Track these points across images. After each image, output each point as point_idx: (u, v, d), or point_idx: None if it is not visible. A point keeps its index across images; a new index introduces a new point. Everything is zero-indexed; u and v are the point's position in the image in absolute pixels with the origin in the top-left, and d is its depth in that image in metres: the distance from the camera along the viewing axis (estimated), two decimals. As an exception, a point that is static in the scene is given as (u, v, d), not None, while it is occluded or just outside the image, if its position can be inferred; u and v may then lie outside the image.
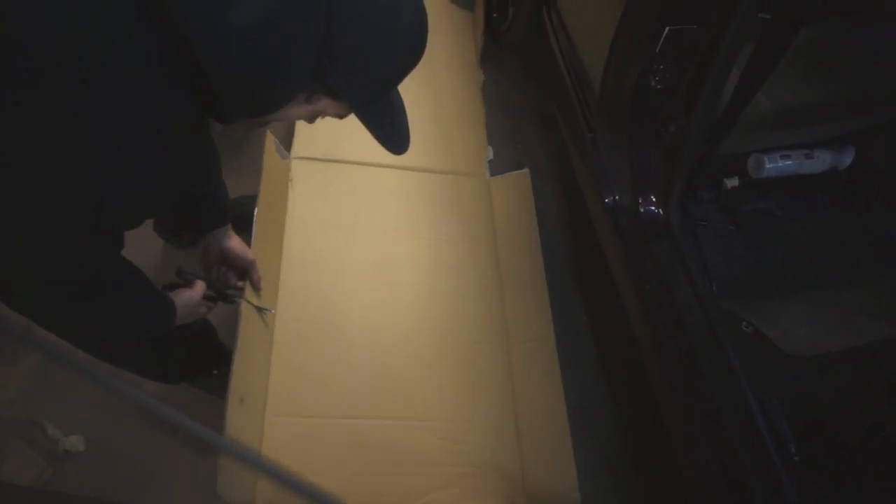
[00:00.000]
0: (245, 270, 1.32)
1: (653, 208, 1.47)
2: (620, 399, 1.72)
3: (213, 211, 1.21)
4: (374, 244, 1.71)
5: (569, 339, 1.74)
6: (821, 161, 1.59)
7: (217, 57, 0.68)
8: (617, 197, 1.50)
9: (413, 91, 1.93)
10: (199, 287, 1.12)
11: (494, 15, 2.18)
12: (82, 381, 1.50)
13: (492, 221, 1.90)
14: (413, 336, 1.59)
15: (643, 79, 1.31)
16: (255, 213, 1.43)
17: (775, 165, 1.55)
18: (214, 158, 1.15)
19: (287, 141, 1.80)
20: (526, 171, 1.96)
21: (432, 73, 2.09)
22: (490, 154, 2.06)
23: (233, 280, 1.31)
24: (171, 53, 0.68)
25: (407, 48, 0.80)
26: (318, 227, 1.68)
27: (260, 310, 1.37)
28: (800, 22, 1.17)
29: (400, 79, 0.84)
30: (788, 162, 1.56)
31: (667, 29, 1.21)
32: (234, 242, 1.27)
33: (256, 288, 1.36)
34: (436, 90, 2.07)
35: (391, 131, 0.88)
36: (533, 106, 2.20)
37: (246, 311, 1.31)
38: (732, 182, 1.60)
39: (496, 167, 2.04)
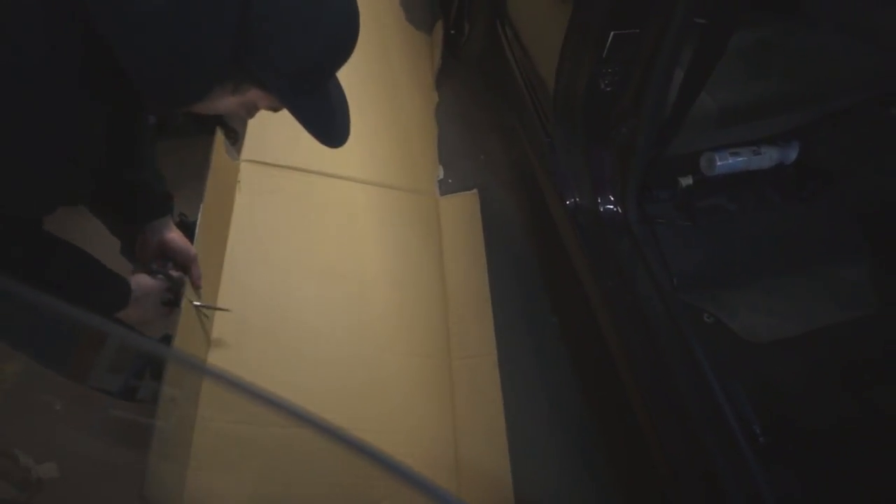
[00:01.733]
0: (185, 266, 1.24)
1: (611, 207, 1.52)
2: (592, 395, 1.76)
3: (150, 199, 1.16)
4: (320, 252, 1.67)
5: (540, 340, 1.78)
6: (768, 157, 1.66)
7: (125, 43, 0.67)
8: (577, 198, 1.55)
9: (373, 105, 1.99)
10: (161, 283, 1.10)
11: (452, 31, 2.24)
12: (54, 406, 1.49)
13: (439, 239, 1.92)
14: (354, 345, 1.57)
15: (593, 83, 1.36)
16: (200, 210, 1.37)
17: (726, 162, 1.62)
18: (144, 145, 1.10)
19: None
20: (475, 191, 2.02)
21: (393, 90, 2.13)
22: (441, 174, 2.10)
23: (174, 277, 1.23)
24: (75, 35, 0.67)
25: (333, 36, 0.77)
26: (263, 230, 1.62)
27: (205, 308, 1.31)
28: (732, 25, 1.24)
29: (329, 69, 0.82)
30: (738, 159, 1.64)
31: (612, 34, 1.27)
32: (176, 235, 1.22)
33: (196, 285, 1.28)
34: (396, 106, 2.11)
35: (326, 124, 0.85)
36: (493, 118, 2.25)
37: (185, 309, 1.23)
38: (687, 180, 1.66)
39: (458, 180, 2.08)
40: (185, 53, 0.70)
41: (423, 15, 2.43)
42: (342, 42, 0.80)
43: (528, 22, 1.62)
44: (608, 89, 1.37)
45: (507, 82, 1.83)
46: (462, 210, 1.99)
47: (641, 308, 1.41)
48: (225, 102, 0.81)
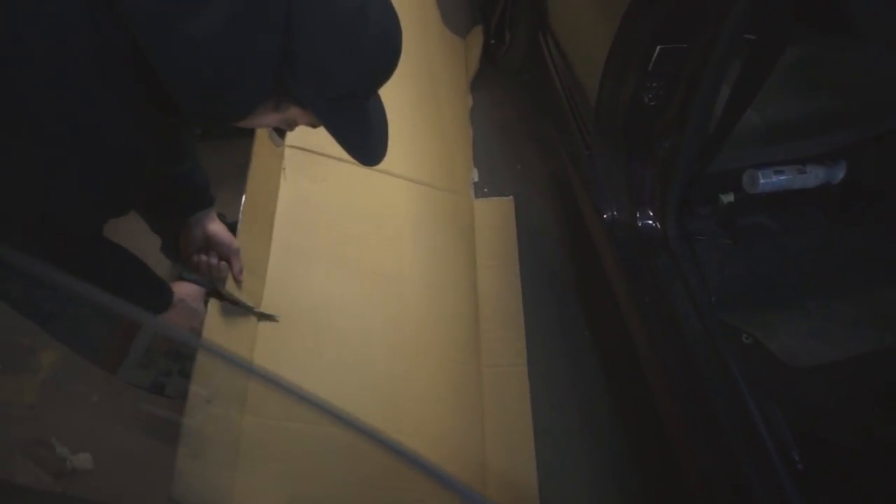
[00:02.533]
0: (228, 259, 1.24)
1: (650, 223, 1.50)
2: (625, 412, 1.73)
3: (193, 190, 1.17)
4: (360, 250, 1.64)
5: (572, 354, 1.76)
6: (813, 176, 1.62)
7: (172, 66, 0.69)
8: (615, 212, 1.54)
9: (413, 104, 1.99)
10: (200, 289, 1.12)
11: (493, 41, 2.24)
12: (91, 397, 1.53)
13: (472, 243, 1.91)
14: (390, 347, 1.55)
15: (637, 96, 1.35)
16: (244, 199, 1.35)
17: (769, 181, 1.58)
18: (187, 140, 1.12)
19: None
20: (510, 198, 2.01)
21: (432, 90, 2.13)
22: (475, 176, 2.10)
23: (217, 269, 1.23)
24: (123, 57, 0.69)
25: (373, 59, 0.79)
26: (308, 220, 1.58)
27: (262, 315, 1.30)
28: (783, 42, 1.22)
29: (369, 90, 0.83)
30: (782, 177, 1.60)
31: (658, 48, 1.26)
32: (219, 227, 1.22)
33: (237, 279, 1.27)
34: (434, 106, 2.10)
35: (362, 143, 0.87)
36: (531, 127, 2.25)
37: (224, 306, 1.23)
38: (728, 197, 1.63)
39: (494, 188, 2.08)
40: (231, 78, 0.72)
41: (459, 18, 2.43)
42: (383, 64, 0.81)
43: (571, 33, 1.61)
44: (652, 103, 1.35)
45: (547, 93, 1.82)
46: (497, 215, 1.98)
47: (678, 326, 1.39)
48: (266, 119, 0.82)
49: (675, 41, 1.25)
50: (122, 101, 0.72)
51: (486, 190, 2.10)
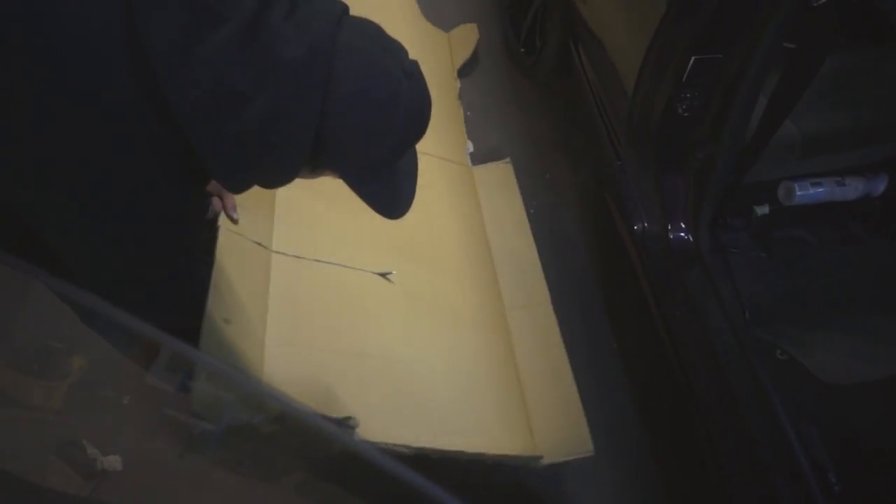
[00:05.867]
0: (220, 194, 1.22)
1: (682, 235, 1.48)
2: (654, 427, 1.70)
3: None
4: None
5: (598, 366, 1.73)
6: (853, 188, 1.58)
7: (214, 153, 0.73)
8: (646, 224, 1.51)
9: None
10: None
11: (522, 49, 2.23)
12: (122, 400, 1.55)
13: (479, 206, 1.91)
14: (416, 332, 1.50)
15: (671, 107, 1.33)
16: None
17: (806, 193, 1.55)
18: None
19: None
20: (507, 160, 2.02)
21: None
22: (470, 147, 2.11)
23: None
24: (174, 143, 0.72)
25: (403, 136, 0.81)
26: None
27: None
28: (824, 52, 1.19)
29: (394, 161, 0.85)
30: (819, 189, 1.56)
31: (693, 58, 1.24)
32: None
33: (231, 217, 1.24)
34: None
35: (390, 202, 0.90)
36: (561, 136, 2.23)
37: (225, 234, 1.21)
38: (763, 209, 1.60)
39: (526, 194, 2.07)
40: (269, 165, 0.77)
41: (441, 14, 2.43)
42: (413, 138, 0.84)
43: (604, 43, 1.60)
44: (686, 114, 1.33)
45: (578, 102, 1.81)
46: (499, 178, 1.98)
47: (711, 341, 1.36)
48: (299, 177, 0.85)
49: (710, 51, 1.23)
50: (174, 181, 0.78)
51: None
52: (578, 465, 1.57)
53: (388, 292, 1.51)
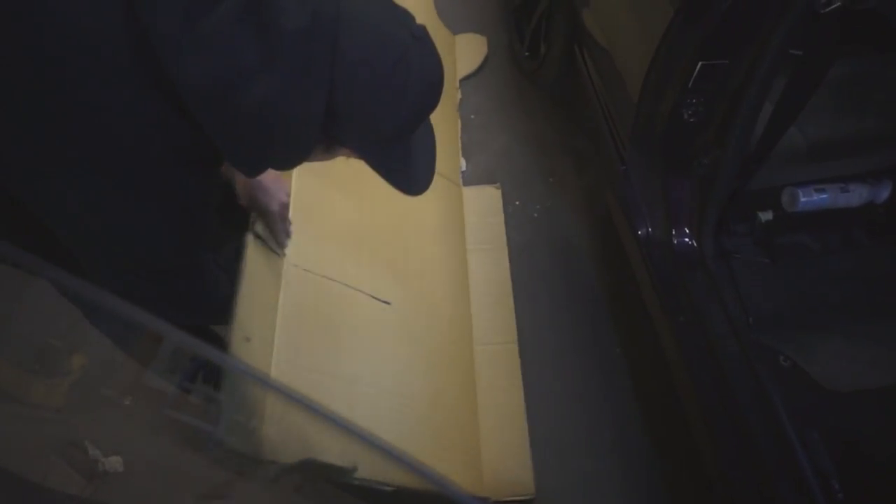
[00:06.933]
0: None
1: (686, 240, 1.48)
2: (657, 432, 1.70)
3: None
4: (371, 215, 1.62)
5: (603, 371, 1.73)
6: (857, 195, 1.58)
7: (224, 131, 0.72)
8: (650, 229, 1.51)
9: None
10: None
11: (526, 53, 2.23)
12: (124, 400, 1.55)
13: (463, 231, 1.93)
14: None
15: (676, 112, 1.33)
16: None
17: (810, 199, 1.55)
18: None
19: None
20: (497, 185, 2.06)
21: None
22: (463, 165, 2.12)
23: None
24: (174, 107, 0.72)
25: (417, 103, 0.79)
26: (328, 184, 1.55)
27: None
28: (830, 59, 1.19)
29: (412, 129, 0.84)
30: (823, 196, 1.56)
31: (700, 64, 1.24)
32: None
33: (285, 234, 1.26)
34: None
35: (407, 176, 0.88)
36: (565, 140, 2.23)
37: (251, 247, 1.21)
38: (766, 215, 1.59)
39: (525, 201, 2.07)
40: (281, 141, 0.76)
41: (453, 15, 2.44)
42: (427, 105, 0.82)
43: (609, 47, 1.60)
44: (692, 120, 1.33)
45: (583, 106, 1.81)
46: (486, 202, 2.00)
47: (714, 347, 1.36)
48: (315, 158, 0.85)
49: (717, 57, 1.23)
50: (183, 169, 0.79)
51: (517, 203, 2.09)
52: (583, 471, 1.58)
53: (384, 318, 1.51)
